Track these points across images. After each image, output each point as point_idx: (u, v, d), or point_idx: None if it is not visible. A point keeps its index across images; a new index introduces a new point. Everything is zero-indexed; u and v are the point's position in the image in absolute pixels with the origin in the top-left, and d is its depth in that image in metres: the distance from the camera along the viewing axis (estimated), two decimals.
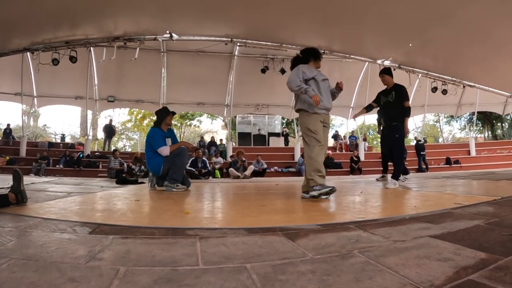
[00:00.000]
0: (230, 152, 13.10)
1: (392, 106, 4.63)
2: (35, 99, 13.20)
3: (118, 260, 1.11)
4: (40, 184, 5.10)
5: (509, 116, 15.66)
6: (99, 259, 1.11)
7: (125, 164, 10.14)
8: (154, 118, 5.03)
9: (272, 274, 0.97)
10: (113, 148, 14.77)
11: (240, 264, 1.06)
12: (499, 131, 24.58)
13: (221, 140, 15.68)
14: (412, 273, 0.95)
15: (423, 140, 14.18)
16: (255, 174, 10.83)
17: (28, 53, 10.25)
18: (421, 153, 12.50)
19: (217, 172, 11.22)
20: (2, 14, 7.20)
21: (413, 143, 14.24)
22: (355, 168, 12.82)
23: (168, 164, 4.37)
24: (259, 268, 1.02)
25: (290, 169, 12.69)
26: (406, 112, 4.58)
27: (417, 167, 12.24)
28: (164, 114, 4.65)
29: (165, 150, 4.37)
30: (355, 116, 5.63)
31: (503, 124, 24.28)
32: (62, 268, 1.02)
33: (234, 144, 13.99)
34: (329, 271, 0.99)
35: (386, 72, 4.84)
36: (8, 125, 14.48)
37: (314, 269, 1.01)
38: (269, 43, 10.54)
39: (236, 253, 1.19)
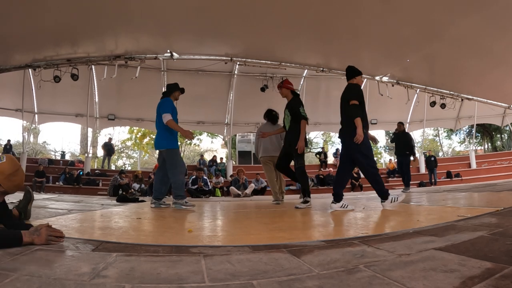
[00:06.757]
0: (230, 171, 13.04)
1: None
2: (36, 115, 13.18)
3: (123, 277, 1.10)
4: (40, 201, 5.04)
5: (508, 127, 15.68)
6: (104, 276, 1.10)
7: (125, 179, 10.08)
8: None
9: None
10: (113, 166, 14.71)
11: (246, 281, 1.05)
12: (498, 143, 24.59)
13: (221, 158, 15.60)
14: (419, 285, 0.95)
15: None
16: (255, 192, 10.78)
17: (29, 69, 10.32)
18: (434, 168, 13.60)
19: (218, 190, 11.22)
20: (3, 30, 7.28)
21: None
22: (355, 184, 12.76)
23: (163, 171, 4.40)
24: (266, 285, 1.01)
25: (291, 187, 12.60)
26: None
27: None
28: (174, 88, 4.68)
29: (167, 117, 4.29)
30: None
31: (502, 136, 24.32)
32: (67, 285, 1.00)
33: (234, 163, 13.92)
34: (337, 286, 0.98)
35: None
36: (9, 141, 14.60)
37: (321, 285, 1.00)
38: (269, 62, 10.62)
39: (242, 270, 1.18)
